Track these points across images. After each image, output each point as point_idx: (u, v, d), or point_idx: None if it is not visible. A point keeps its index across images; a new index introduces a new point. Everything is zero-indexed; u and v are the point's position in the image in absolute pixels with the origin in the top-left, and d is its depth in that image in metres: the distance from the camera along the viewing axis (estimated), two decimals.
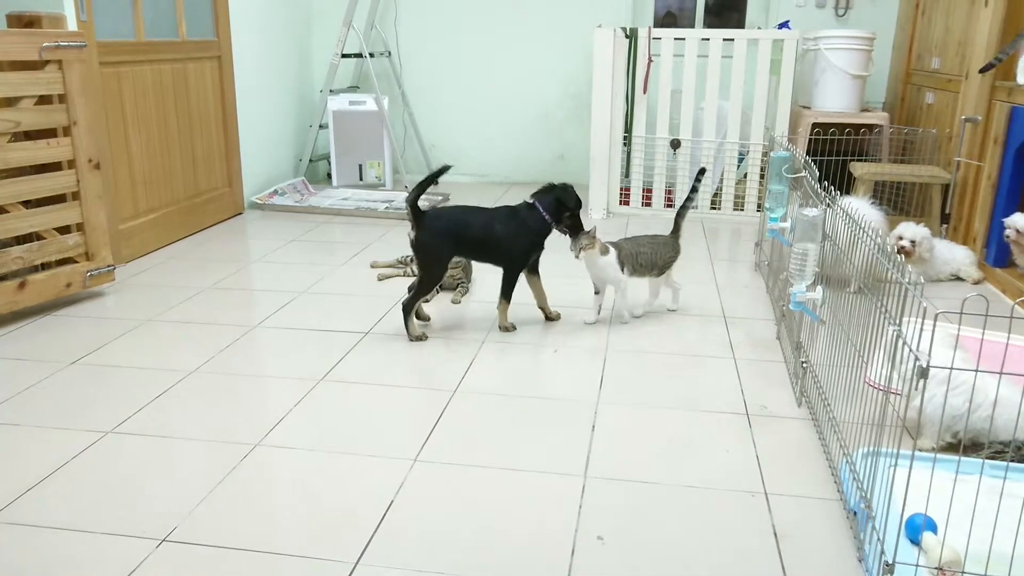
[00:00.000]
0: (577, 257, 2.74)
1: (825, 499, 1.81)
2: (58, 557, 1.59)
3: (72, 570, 1.55)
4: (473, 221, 2.72)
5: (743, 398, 2.32)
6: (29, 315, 2.89)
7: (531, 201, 2.75)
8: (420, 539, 1.66)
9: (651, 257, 2.86)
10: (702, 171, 2.99)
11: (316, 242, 3.97)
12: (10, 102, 2.73)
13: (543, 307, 2.91)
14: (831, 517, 1.75)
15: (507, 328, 2.80)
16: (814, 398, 2.21)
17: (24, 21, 2.84)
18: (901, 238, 3.25)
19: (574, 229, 2.76)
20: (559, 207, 2.74)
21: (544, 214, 2.73)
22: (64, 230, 2.96)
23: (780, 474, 1.92)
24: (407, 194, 2.73)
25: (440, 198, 4.74)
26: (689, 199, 2.94)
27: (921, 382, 1.33)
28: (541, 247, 2.81)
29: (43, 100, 2.82)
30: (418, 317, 2.83)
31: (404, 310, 2.72)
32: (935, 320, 1.39)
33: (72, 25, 3.17)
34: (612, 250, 2.78)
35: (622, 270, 2.80)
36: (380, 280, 3.33)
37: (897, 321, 1.47)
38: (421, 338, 2.72)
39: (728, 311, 3.05)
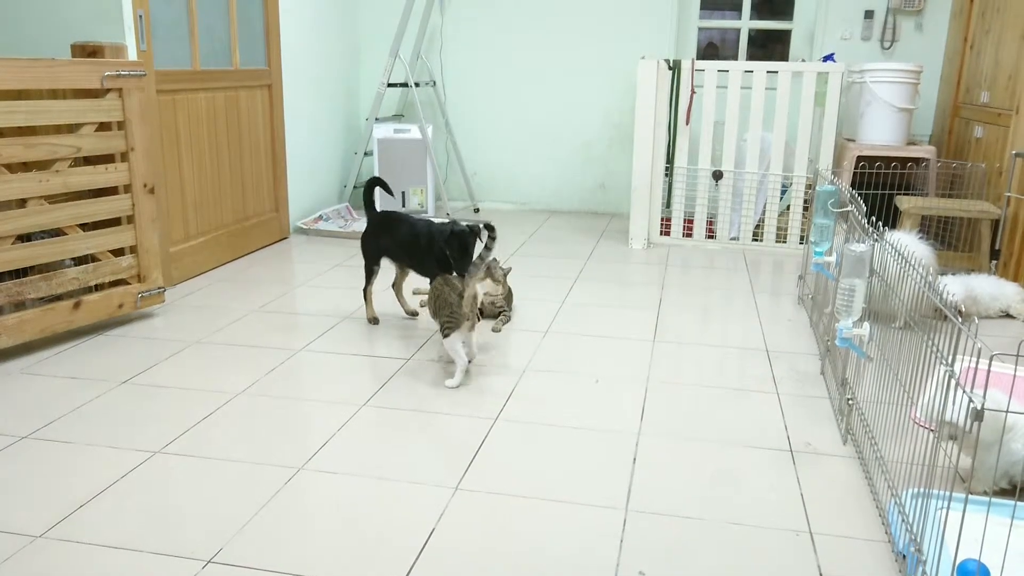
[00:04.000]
0: None
1: (872, 540, 1.78)
2: (106, 575, 1.62)
3: None
4: (400, 227, 3.02)
5: (787, 434, 2.29)
6: (83, 334, 2.97)
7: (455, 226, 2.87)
8: (461, 568, 1.66)
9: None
10: (491, 228, 2.69)
11: (359, 267, 4.00)
12: (72, 128, 2.83)
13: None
14: (878, 559, 1.71)
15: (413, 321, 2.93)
16: (860, 436, 2.18)
17: (88, 51, 2.95)
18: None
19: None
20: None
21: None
22: (118, 252, 3.04)
23: (825, 513, 1.89)
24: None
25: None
26: (488, 248, 2.68)
27: (975, 425, 1.30)
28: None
29: (103, 127, 2.92)
30: (406, 311, 3.24)
31: (363, 294, 3.18)
32: (990, 360, 1.37)
33: (132, 55, 3.29)
34: None
35: None
36: (422, 306, 3.36)
37: (949, 361, 1.45)
38: (374, 321, 3.12)
39: (771, 345, 3.02)
